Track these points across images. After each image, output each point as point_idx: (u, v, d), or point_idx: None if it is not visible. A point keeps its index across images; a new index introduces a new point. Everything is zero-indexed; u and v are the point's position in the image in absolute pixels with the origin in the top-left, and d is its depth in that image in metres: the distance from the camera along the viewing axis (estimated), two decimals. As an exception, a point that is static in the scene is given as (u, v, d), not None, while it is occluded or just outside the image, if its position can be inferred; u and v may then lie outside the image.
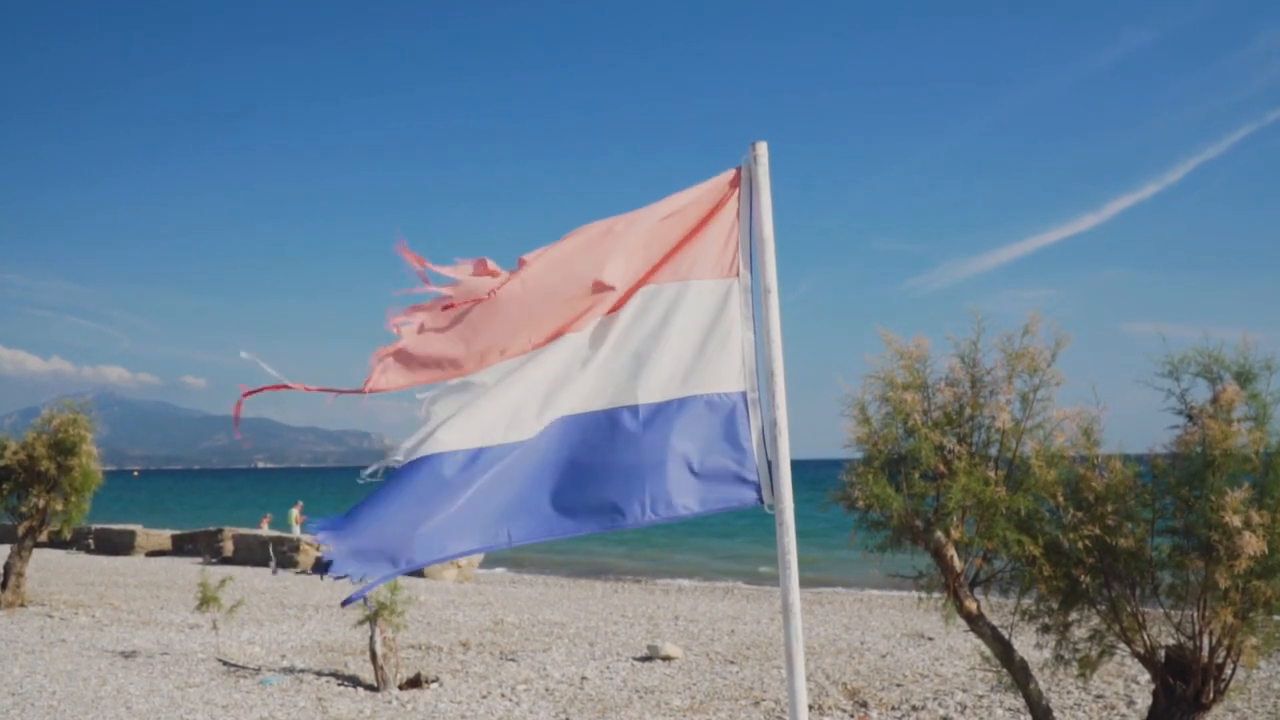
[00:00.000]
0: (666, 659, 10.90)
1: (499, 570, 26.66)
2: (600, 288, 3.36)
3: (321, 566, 3.12)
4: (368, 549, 3.02)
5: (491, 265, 3.31)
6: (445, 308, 3.23)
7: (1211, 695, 4.69)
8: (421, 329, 3.22)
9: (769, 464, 3.35)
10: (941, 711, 8.21)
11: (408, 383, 3.20)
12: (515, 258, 3.35)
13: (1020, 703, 6.37)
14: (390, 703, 8.57)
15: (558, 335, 3.34)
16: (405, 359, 3.19)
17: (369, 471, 3.17)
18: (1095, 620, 5.01)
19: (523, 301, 3.27)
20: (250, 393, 3.12)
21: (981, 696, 8.63)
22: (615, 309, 3.41)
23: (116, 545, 30.14)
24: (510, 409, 3.24)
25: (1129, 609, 4.81)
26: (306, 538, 26.05)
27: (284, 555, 25.10)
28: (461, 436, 3.16)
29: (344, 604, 3.50)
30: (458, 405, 3.21)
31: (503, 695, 8.97)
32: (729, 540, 35.71)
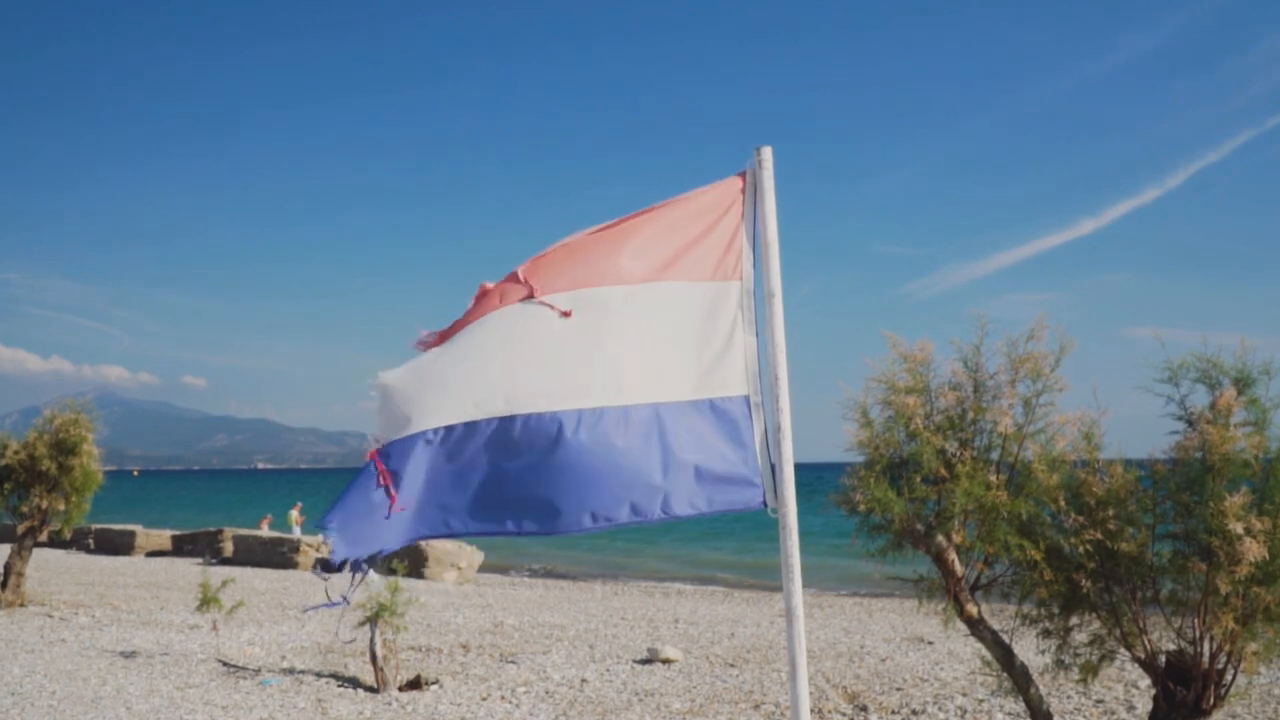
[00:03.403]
0: (666, 662, 10.89)
1: (497, 573, 26.64)
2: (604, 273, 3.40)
3: (324, 565, 3.13)
4: (360, 532, 3.08)
5: (489, 285, 3.39)
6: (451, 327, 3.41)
7: (1212, 701, 4.70)
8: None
9: (772, 467, 3.35)
10: (941, 716, 8.21)
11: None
12: (516, 264, 3.38)
13: (1020, 707, 6.37)
14: (390, 704, 8.56)
15: (532, 296, 3.34)
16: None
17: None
18: (1096, 625, 5.02)
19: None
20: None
21: (982, 701, 8.63)
22: (612, 283, 3.41)
23: (116, 545, 30.16)
24: (494, 380, 3.25)
25: (1130, 614, 4.81)
26: (307, 539, 26.06)
27: (283, 556, 25.11)
28: (440, 412, 3.19)
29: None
30: (433, 378, 3.25)
31: (502, 697, 8.97)
32: (695, 545, 35.46)
